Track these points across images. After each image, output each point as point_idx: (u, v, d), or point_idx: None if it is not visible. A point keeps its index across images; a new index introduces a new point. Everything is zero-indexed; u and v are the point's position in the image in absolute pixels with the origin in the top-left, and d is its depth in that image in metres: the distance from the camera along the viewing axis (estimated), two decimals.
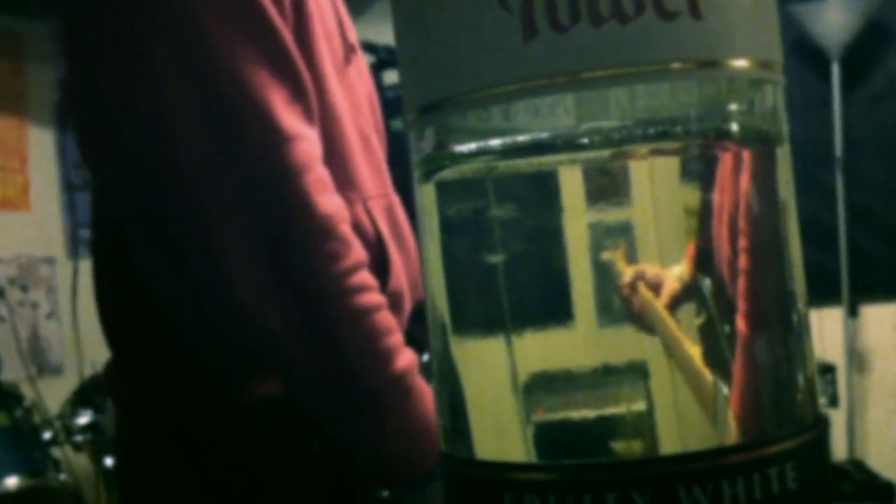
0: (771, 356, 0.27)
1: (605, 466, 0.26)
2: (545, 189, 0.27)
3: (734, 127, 0.26)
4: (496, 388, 0.28)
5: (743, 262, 0.27)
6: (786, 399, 0.27)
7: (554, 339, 0.27)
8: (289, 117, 0.79)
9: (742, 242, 0.27)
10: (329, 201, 0.81)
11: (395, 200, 0.97)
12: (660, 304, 0.26)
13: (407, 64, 0.29)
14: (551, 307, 0.27)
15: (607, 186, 0.26)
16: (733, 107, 0.26)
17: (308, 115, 0.82)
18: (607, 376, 0.26)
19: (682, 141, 0.26)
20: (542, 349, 0.27)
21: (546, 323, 0.27)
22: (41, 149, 2.98)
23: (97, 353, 2.38)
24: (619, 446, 0.26)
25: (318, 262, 0.79)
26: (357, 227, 0.87)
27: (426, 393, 0.83)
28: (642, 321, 0.26)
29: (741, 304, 0.27)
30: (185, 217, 0.80)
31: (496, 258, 0.28)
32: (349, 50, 0.94)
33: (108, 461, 2.23)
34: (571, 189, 0.26)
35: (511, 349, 0.27)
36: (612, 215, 0.26)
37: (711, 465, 0.25)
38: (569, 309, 0.27)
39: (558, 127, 0.26)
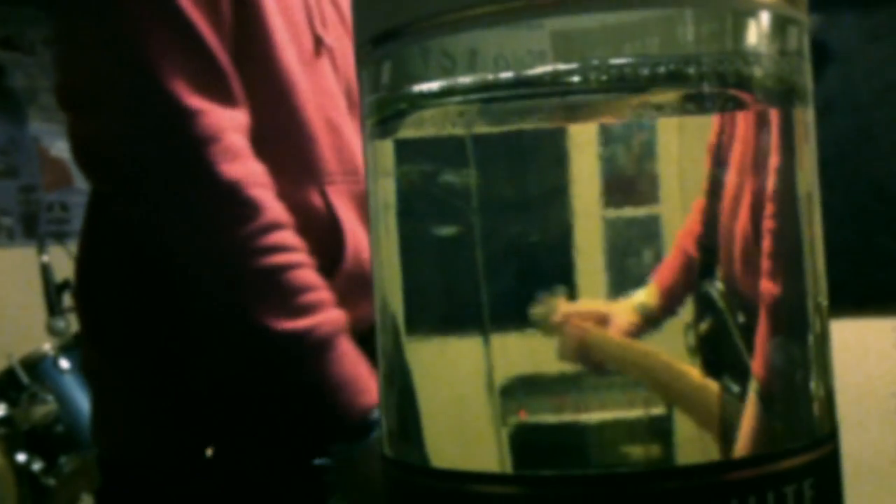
0: (787, 361, 0.23)
1: (590, 480, 0.21)
2: (537, 148, 0.22)
3: (758, 73, 0.22)
4: (459, 391, 0.23)
5: (762, 256, 0.22)
6: (802, 408, 0.23)
7: (540, 341, 0.22)
8: (191, 96, 0.87)
9: (763, 231, 0.22)
10: (236, 168, 0.87)
11: None
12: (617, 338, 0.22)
13: None
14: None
15: (622, 148, 0.21)
16: (757, 48, 0.22)
17: (221, 94, 0.89)
18: (598, 379, 0.22)
19: (696, 86, 0.21)
20: (523, 351, 0.22)
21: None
22: None
23: (11, 345, 2.29)
24: (606, 458, 0.22)
25: (223, 224, 0.86)
26: (304, 208, 0.93)
27: (349, 351, 0.88)
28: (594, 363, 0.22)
29: (758, 303, 0.22)
30: (128, 187, 0.89)
31: (457, 235, 0.23)
32: (318, 43, 1.02)
33: (21, 457, 2.14)
34: (575, 148, 0.22)
35: (488, 350, 0.22)
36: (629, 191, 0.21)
37: (718, 482, 0.21)
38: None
39: (539, 64, 0.22)
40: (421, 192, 0.24)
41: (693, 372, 0.22)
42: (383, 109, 0.24)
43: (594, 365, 0.22)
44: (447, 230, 0.24)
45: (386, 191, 0.24)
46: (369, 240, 0.26)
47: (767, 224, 0.23)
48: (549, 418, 0.22)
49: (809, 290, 0.23)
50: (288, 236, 0.88)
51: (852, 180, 2.69)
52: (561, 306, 0.22)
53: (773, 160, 0.22)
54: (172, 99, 0.86)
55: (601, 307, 0.22)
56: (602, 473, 0.21)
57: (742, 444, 0.22)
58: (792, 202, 0.23)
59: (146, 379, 0.97)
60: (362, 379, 0.87)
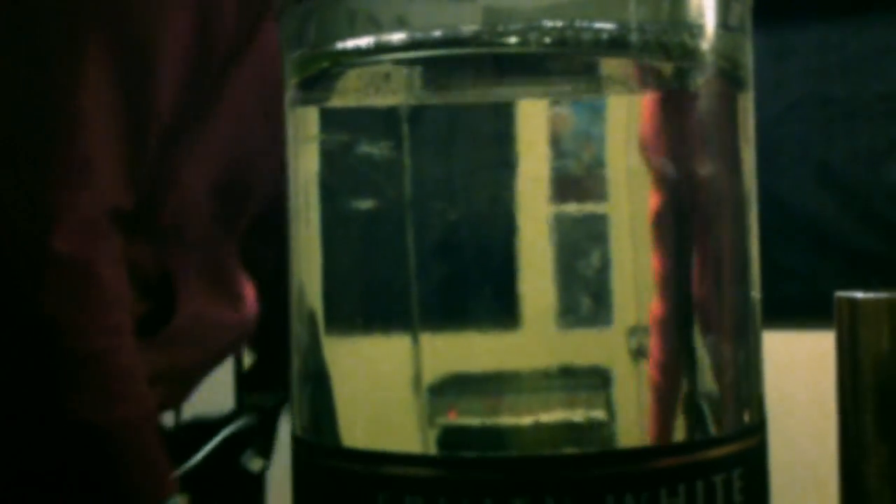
0: (718, 350, 0.22)
1: (513, 463, 0.20)
2: (473, 121, 0.21)
3: (703, 46, 0.21)
4: (381, 385, 0.22)
5: (695, 241, 0.22)
6: (732, 397, 0.22)
7: (476, 341, 0.21)
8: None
9: (698, 211, 0.22)
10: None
11: None
12: None
13: None
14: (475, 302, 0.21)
15: (566, 123, 0.20)
16: (701, 20, 0.21)
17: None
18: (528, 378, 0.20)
19: (639, 56, 0.20)
20: (452, 349, 0.21)
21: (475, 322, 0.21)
22: None
23: None
24: (533, 442, 0.20)
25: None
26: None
27: (153, 443, 0.82)
28: None
29: (689, 293, 0.21)
30: None
31: (380, 215, 0.22)
32: None
33: None
34: (518, 123, 0.21)
35: (417, 347, 0.21)
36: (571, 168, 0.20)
37: (647, 469, 0.20)
38: (513, 308, 0.20)
39: (472, 21, 0.20)
40: (344, 167, 0.23)
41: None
42: (306, 68, 0.22)
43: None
44: (367, 205, 0.22)
45: (306, 165, 0.23)
46: (289, 217, 0.24)
47: (702, 213, 0.22)
48: (476, 415, 0.21)
49: (742, 282, 0.23)
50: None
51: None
52: None
53: (716, 144, 0.22)
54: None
55: None
56: (524, 456, 0.20)
57: (671, 431, 0.21)
58: (733, 189, 0.22)
59: None
60: (160, 470, 0.84)
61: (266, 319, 1.01)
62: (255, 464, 1.01)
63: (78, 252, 0.79)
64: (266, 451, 1.05)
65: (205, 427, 1.04)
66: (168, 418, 1.14)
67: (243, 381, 1.11)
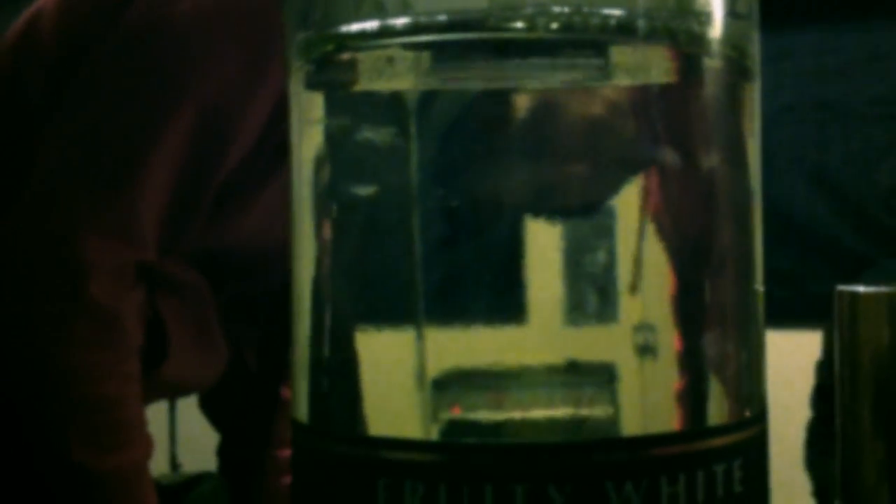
0: (721, 339, 0.22)
1: (514, 450, 0.19)
2: (480, 108, 0.21)
3: (711, 34, 0.21)
4: (388, 378, 0.22)
5: (701, 233, 0.22)
6: (733, 387, 0.22)
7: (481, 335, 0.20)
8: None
9: (703, 203, 0.21)
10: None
11: None
12: None
13: None
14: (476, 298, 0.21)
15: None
16: (708, 7, 0.21)
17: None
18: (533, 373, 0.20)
19: (647, 41, 0.20)
20: (458, 342, 0.21)
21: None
22: None
23: None
24: (535, 429, 0.20)
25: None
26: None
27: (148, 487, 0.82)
28: None
29: (693, 283, 0.21)
30: None
31: (374, 196, 0.22)
32: None
33: None
34: (524, 111, 0.20)
35: (421, 341, 0.21)
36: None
37: (648, 457, 0.19)
38: (519, 303, 0.20)
39: (479, 5, 0.20)
40: (348, 152, 0.22)
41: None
42: (310, 52, 0.22)
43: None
44: (370, 192, 0.22)
45: (310, 150, 0.23)
46: (288, 203, 0.24)
47: (708, 204, 0.22)
48: (481, 410, 0.21)
49: (745, 274, 0.23)
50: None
51: None
52: None
53: (722, 135, 0.22)
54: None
55: None
56: (525, 443, 0.20)
57: (673, 419, 0.21)
58: (738, 182, 0.22)
59: None
60: None
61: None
62: None
63: (111, 300, 0.81)
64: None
65: (168, 489, 1.07)
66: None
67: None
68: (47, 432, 0.80)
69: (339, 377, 0.22)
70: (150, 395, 0.90)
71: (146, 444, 0.84)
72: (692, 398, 0.21)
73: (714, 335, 0.22)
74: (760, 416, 0.22)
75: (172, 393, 1.03)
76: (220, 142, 0.82)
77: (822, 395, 1.69)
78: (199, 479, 1.08)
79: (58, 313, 0.80)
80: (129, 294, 0.83)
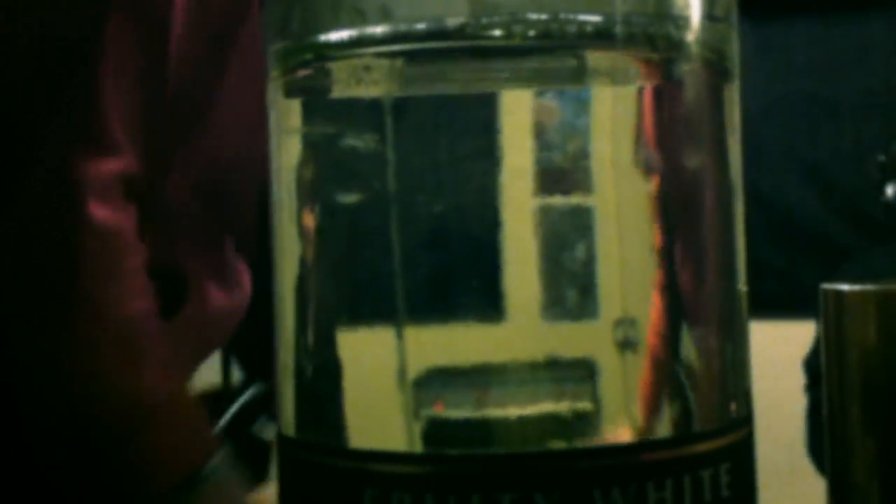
0: (705, 343, 0.22)
1: (500, 459, 0.19)
2: (457, 114, 0.21)
3: (689, 38, 0.21)
4: (371, 378, 0.22)
5: (682, 232, 0.21)
6: (719, 391, 0.22)
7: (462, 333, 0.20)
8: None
9: (684, 203, 0.21)
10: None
11: None
12: None
13: None
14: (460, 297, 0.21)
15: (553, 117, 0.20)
16: (686, 11, 0.21)
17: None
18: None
19: (624, 48, 0.20)
20: (439, 342, 0.21)
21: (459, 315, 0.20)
22: None
23: None
24: (520, 435, 0.20)
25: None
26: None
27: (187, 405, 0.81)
28: None
29: (677, 286, 0.21)
30: None
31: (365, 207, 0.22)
32: None
33: None
34: (503, 117, 0.20)
35: (402, 341, 0.21)
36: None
37: (635, 462, 0.19)
38: (498, 300, 0.20)
39: (457, 13, 0.20)
40: (327, 160, 0.22)
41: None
42: (289, 60, 0.22)
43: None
44: (351, 198, 0.22)
45: (289, 158, 0.23)
46: (271, 208, 0.24)
47: (689, 204, 0.22)
48: (462, 408, 0.21)
49: (728, 274, 0.22)
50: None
51: None
52: None
53: (702, 135, 0.22)
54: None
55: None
56: (511, 453, 0.20)
57: (658, 424, 0.21)
58: (719, 181, 0.22)
59: None
60: (202, 429, 0.84)
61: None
62: (267, 432, 1.01)
63: (110, 219, 0.80)
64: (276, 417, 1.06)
65: (216, 397, 1.05)
66: None
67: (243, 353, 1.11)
68: (79, 357, 0.77)
69: (322, 381, 0.22)
70: (186, 351, 0.89)
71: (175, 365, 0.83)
72: (677, 401, 0.21)
73: (698, 336, 0.22)
74: (747, 419, 0.22)
75: (206, 342, 0.99)
76: (160, 39, 0.81)
77: (815, 382, 1.69)
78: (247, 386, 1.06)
79: (67, 239, 0.78)
80: (124, 211, 0.82)
